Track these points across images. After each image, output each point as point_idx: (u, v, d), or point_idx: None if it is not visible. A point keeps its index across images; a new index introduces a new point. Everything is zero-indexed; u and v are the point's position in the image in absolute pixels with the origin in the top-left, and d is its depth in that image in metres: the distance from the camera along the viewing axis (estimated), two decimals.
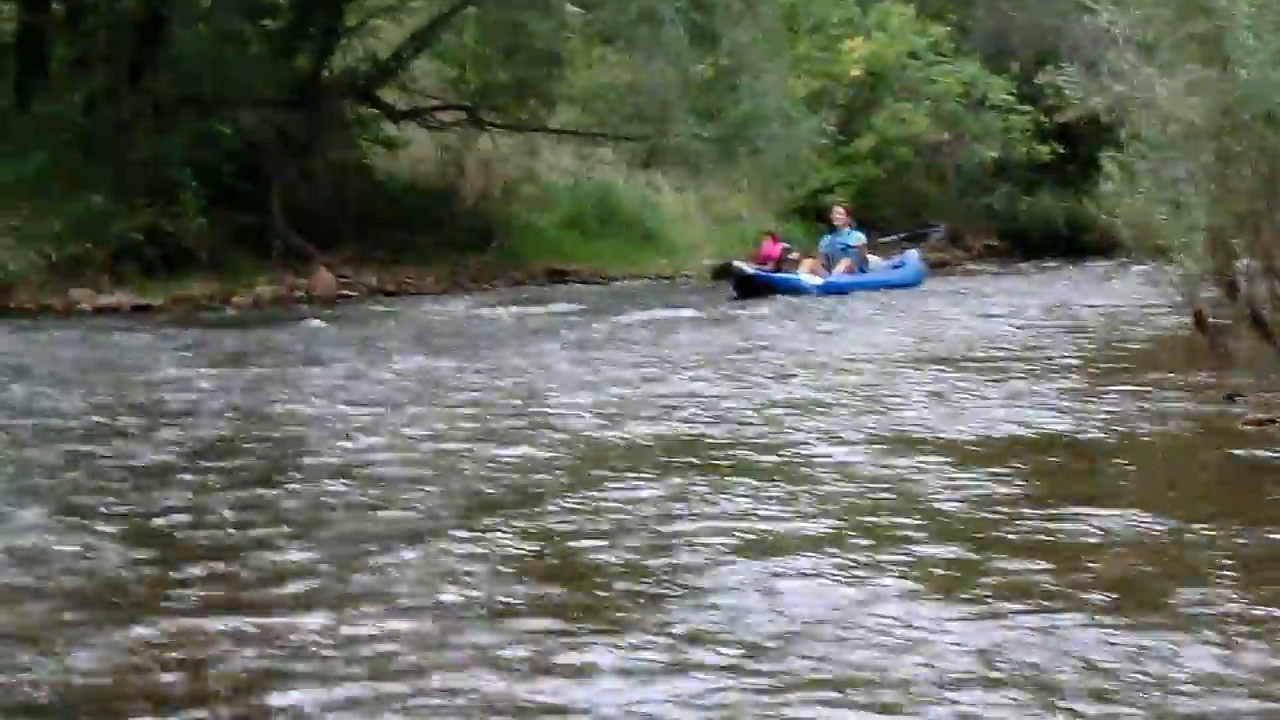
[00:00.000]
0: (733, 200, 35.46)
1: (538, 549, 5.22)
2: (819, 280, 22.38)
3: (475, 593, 4.64)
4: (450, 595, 4.62)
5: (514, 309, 20.20)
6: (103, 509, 5.97)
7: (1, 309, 20.95)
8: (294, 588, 4.75)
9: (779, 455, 7.05)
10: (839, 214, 24.51)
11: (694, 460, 6.91)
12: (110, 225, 23.44)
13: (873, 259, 24.38)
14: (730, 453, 7.14)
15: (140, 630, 4.28)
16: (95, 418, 8.84)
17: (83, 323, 18.96)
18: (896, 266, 24.45)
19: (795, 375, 10.72)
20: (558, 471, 6.76)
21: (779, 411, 8.55)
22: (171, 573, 4.98)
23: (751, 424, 8.10)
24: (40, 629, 4.32)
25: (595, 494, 6.12)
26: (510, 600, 4.54)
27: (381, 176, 30.37)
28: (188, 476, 6.78)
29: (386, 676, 3.81)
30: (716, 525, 5.39)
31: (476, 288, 26.80)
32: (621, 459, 6.99)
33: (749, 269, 22.38)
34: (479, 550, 5.18)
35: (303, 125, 27.52)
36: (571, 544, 5.29)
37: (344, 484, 6.56)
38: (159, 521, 5.77)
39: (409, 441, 7.73)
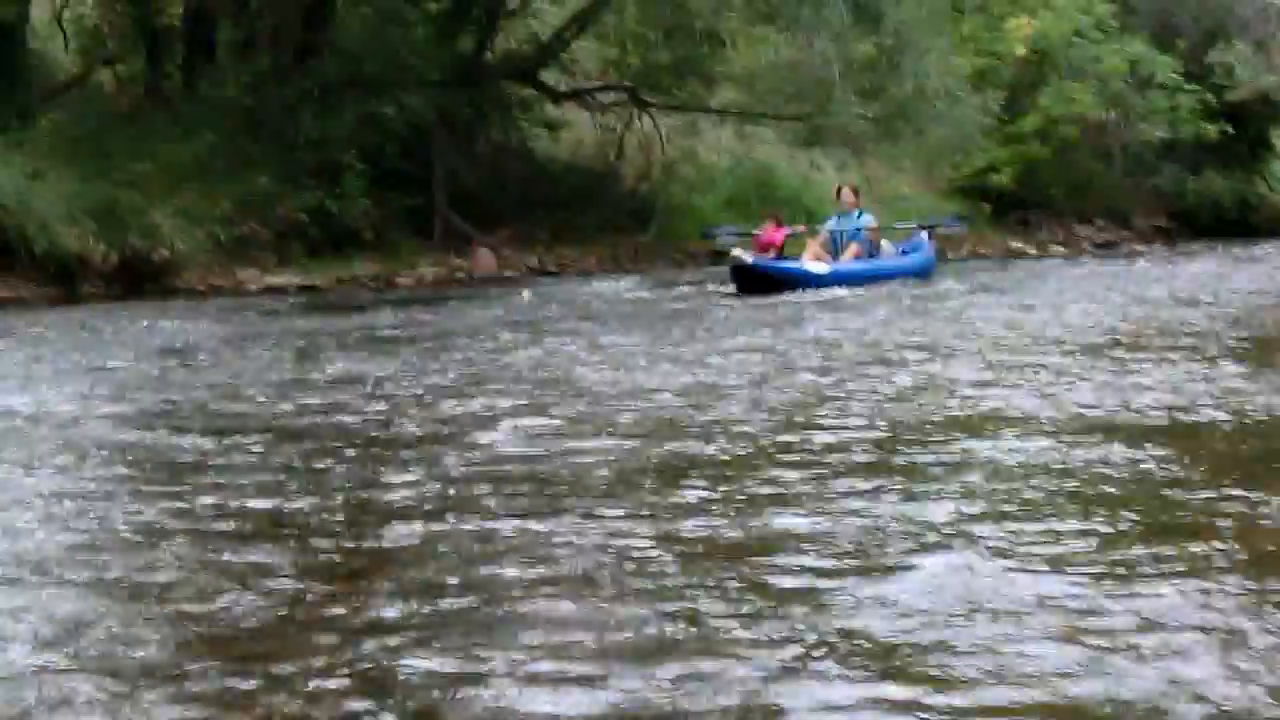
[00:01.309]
0: (896, 180, 35.12)
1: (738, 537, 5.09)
2: (825, 268, 19.28)
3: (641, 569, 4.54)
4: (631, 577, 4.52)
5: (685, 288, 20.16)
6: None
7: (171, 289, 21.28)
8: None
9: (971, 442, 6.86)
10: (847, 194, 21.07)
11: (893, 447, 6.73)
12: (276, 206, 23.73)
13: (885, 245, 21.23)
14: (919, 438, 6.96)
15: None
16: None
17: (282, 301, 19.29)
18: (906, 252, 21.53)
19: (957, 356, 10.50)
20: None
21: (957, 395, 8.35)
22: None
23: (931, 407, 7.92)
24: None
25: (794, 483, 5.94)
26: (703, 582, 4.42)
27: (542, 158, 30.47)
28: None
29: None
30: (913, 516, 5.22)
31: (635, 268, 26.73)
32: (826, 448, 6.81)
33: (747, 258, 19.03)
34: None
35: (465, 107, 27.66)
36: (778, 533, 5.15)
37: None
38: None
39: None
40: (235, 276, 22.65)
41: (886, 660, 3.65)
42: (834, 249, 20.11)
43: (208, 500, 5.64)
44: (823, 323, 13.77)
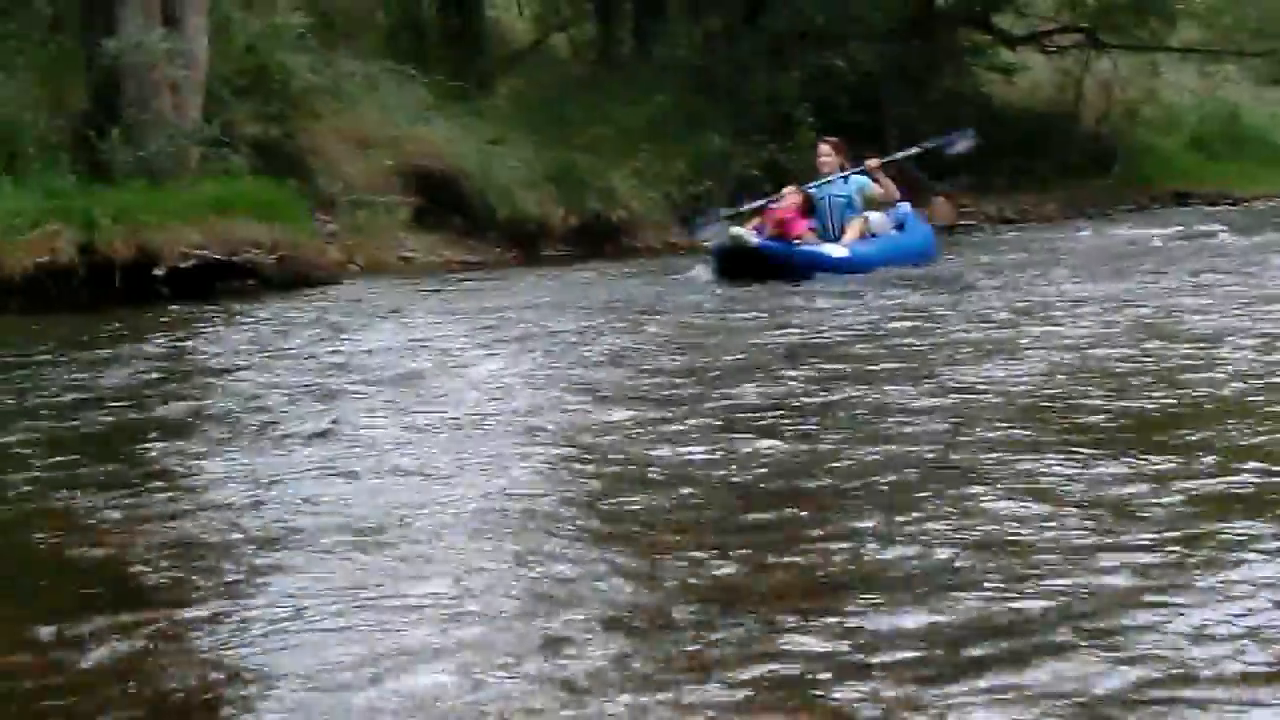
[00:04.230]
0: None
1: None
2: (845, 251, 14.38)
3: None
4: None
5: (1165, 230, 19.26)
6: None
7: (630, 250, 21.48)
8: None
9: None
10: (824, 152, 15.54)
11: None
12: (730, 164, 23.73)
13: (876, 220, 15.27)
14: None
15: None
16: None
17: None
18: (898, 226, 15.66)
19: None
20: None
21: None
22: None
23: None
24: None
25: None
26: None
27: (998, 104, 29.81)
28: None
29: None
30: None
31: (1098, 213, 25.89)
32: None
33: (752, 239, 14.06)
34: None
35: (917, 56, 27.27)
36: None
37: None
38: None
39: None
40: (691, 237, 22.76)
41: None
42: (822, 225, 14.90)
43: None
44: None
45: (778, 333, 9.29)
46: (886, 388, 6.62)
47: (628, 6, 28.60)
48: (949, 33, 28.79)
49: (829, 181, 15.04)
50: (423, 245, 20.07)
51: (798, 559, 3.89)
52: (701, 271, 14.34)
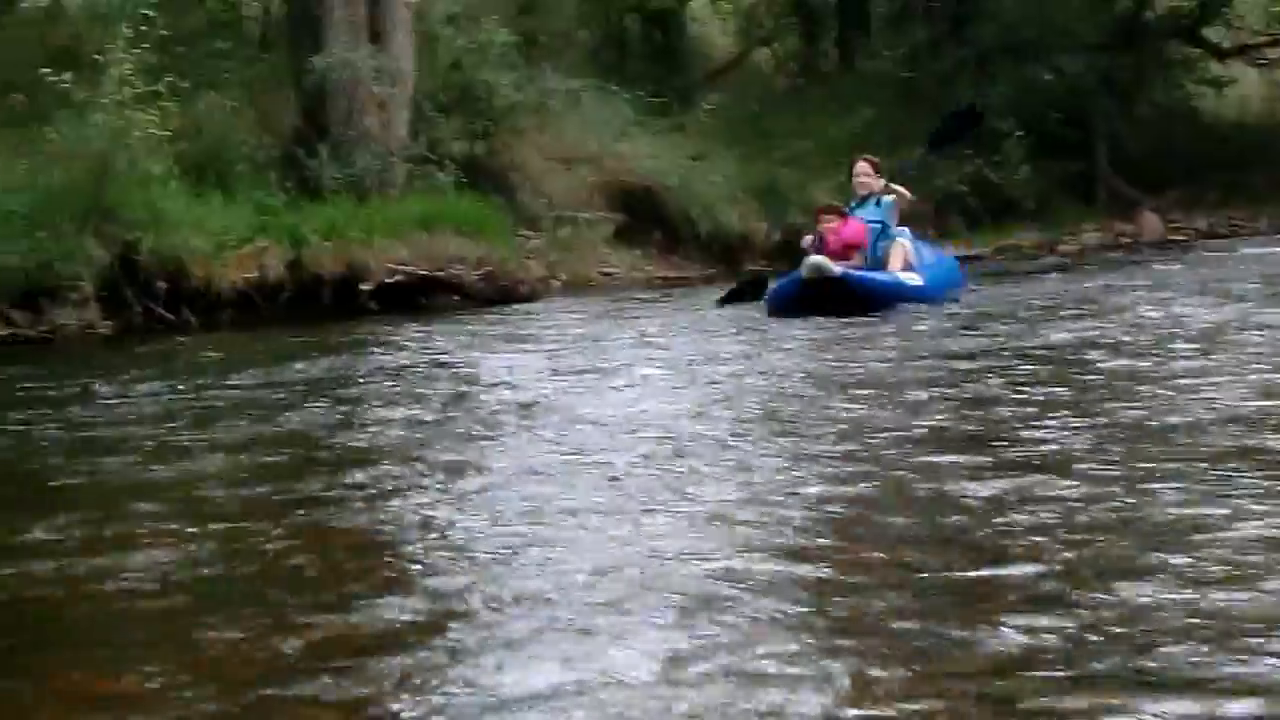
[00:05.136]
0: None
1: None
2: (919, 279, 12.78)
3: None
4: None
5: None
6: None
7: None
8: None
9: None
10: (864, 171, 13.59)
11: None
12: (934, 178, 23.49)
13: (905, 249, 13.15)
14: None
15: None
16: None
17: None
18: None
19: None
20: None
21: None
22: None
23: None
24: None
25: None
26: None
27: (1208, 117, 29.20)
28: None
29: None
30: None
31: None
32: None
33: (835, 268, 11.93)
34: None
35: (1125, 68, 26.81)
36: None
37: None
38: None
39: None
40: None
41: None
42: (868, 251, 13.09)
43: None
44: None
45: (987, 360, 9.03)
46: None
47: (832, 20, 28.47)
48: (1158, 45, 28.23)
49: (863, 204, 13.37)
50: (624, 261, 20.10)
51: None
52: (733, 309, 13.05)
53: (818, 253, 12.35)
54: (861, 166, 13.58)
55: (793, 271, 12.42)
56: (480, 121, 19.50)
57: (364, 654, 3.35)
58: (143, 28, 14.90)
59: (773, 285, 12.90)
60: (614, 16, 26.03)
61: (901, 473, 5.20)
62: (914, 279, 12.67)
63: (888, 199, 13.33)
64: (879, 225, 13.19)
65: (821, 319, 11.24)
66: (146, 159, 14.45)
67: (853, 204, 13.40)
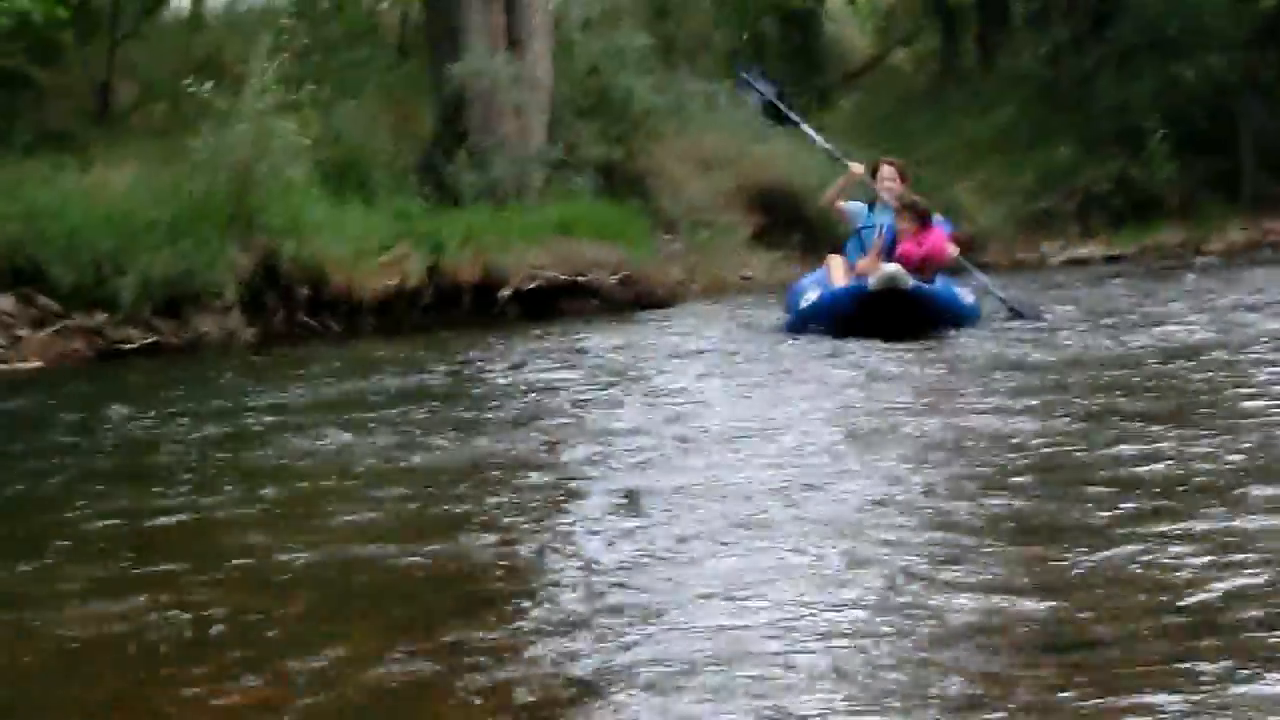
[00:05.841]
0: None
1: None
2: (972, 296, 12.12)
3: None
4: None
5: None
6: None
7: (978, 264, 21.10)
8: None
9: None
10: (889, 175, 12.67)
11: None
12: (1077, 176, 23.26)
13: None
14: None
15: None
16: None
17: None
18: None
19: None
20: None
21: None
22: None
23: None
24: None
25: None
26: None
27: None
28: None
29: None
30: None
31: None
32: None
33: (909, 280, 10.77)
34: None
35: (1271, 65, 26.27)
36: None
37: None
38: None
39: None
40: (1037, 250, 22.36)
41: None
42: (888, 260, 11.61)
43: None
44: None
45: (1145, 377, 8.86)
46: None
47: (972, 19, 28.24)
48: None
49: (885, 209, 12.35)
50: (763, 264, 20.00)
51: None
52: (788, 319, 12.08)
53: (888, 255, 11.50)
54: (885, 170, 12.71)
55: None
56: (618, 126, 19.50)
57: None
58: (283, 37, 15.06)
59: (811, 296, 11.71)
60: (751, 18, 25.96)
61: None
62: (969, 296, 11.97)
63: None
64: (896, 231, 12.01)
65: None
66: (288, 167, 14.58)
67: (880, 207, 12.42)
